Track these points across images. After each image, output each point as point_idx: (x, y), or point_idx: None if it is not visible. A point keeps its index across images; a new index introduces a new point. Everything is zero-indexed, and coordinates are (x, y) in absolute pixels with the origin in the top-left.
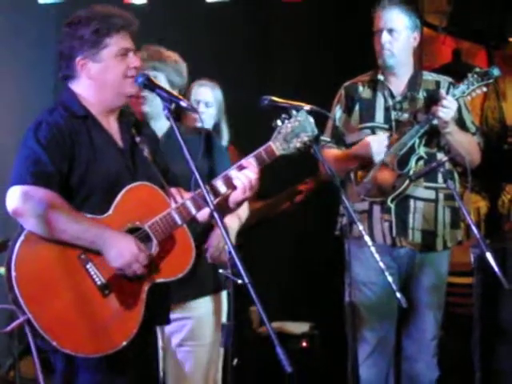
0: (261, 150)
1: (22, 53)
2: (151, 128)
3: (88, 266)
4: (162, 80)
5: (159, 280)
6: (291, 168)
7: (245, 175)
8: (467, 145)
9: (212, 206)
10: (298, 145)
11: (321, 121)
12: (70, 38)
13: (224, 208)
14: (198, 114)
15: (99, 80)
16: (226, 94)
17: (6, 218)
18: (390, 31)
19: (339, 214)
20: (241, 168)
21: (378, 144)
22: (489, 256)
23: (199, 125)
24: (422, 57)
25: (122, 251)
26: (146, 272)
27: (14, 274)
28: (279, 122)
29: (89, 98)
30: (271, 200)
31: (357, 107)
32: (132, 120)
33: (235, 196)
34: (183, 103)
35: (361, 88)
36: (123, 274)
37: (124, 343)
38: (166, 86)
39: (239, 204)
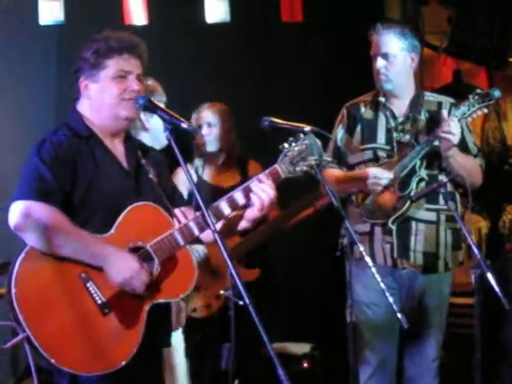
0: (266, 172)
1: (23, 74)
2: (157, 151)
3: (88, 285)
4: None
5: (160, 300)
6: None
7: (263, 191)
8: (469, 167)
9: (213, 227)
10: (305, 168)
11: (322, 142)
12: (77, 59)
13: (236, 226)
14: (200, 135)
15: (97, 101)
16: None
17: (8, 238)
18: (385, 56)
19: (340, 235)
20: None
21: (376, 178)
22: (490, 276)
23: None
24: (422, 77)
25: (123, 268)
26: (145, 291)
27: (14, 290)
28: (286, 145)
29: (91, 118)
30: (288, 209)
31: (359, 128)
32: (137, 143)
33: (251, 213)
34: (184, 125)
35: (363, 108)
36: (124, 290)
37: (123, 363)
38: None
39: (255, 222)
